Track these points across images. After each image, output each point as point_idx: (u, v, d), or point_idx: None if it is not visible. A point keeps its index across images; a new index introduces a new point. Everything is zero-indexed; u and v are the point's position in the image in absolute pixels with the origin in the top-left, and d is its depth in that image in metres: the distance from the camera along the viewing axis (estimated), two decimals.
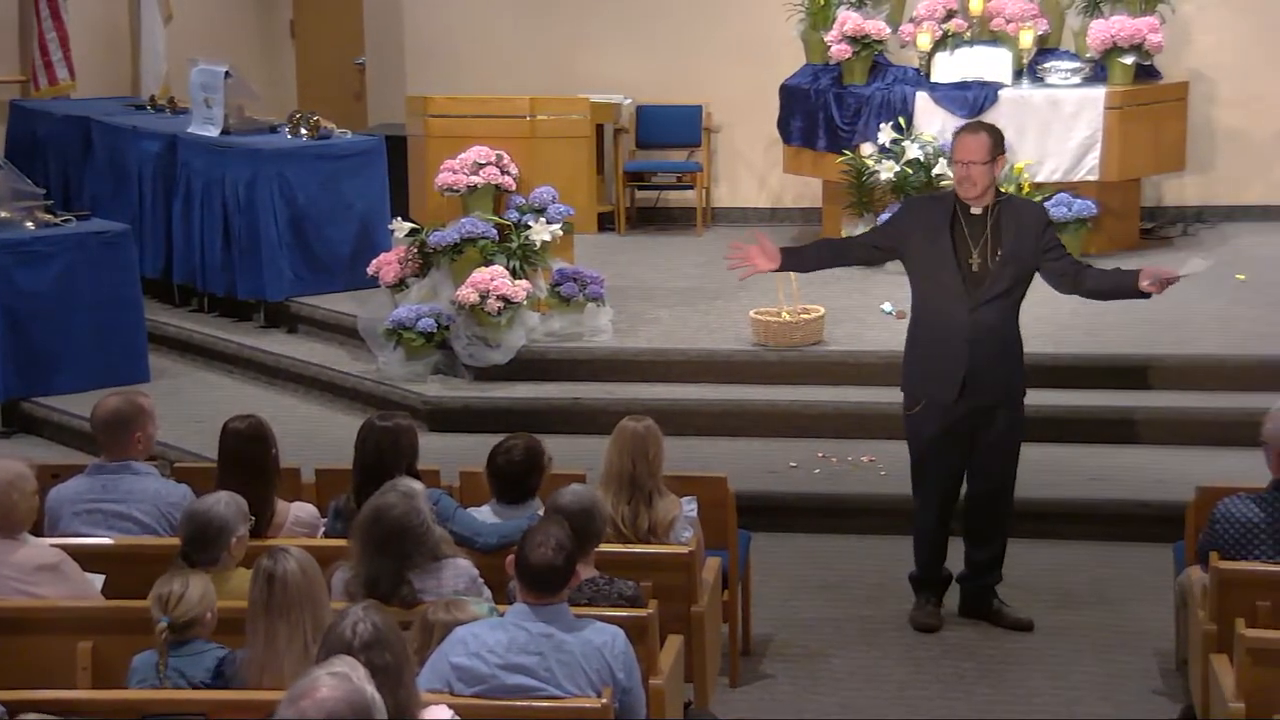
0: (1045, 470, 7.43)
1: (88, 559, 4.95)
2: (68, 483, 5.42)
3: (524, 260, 8.61)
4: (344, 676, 2.97)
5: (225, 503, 4.71)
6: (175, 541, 4.81)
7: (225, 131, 9.96)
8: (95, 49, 11.93)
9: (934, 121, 10.06)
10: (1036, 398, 7.90)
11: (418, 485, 4.79)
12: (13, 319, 8.74)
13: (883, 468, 7.59)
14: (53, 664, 4.49)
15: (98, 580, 4.92)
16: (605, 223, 11.33)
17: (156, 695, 4.12)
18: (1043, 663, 6.03)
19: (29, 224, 9.03)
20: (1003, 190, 6.50)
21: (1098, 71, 10.19)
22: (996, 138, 6.20)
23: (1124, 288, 6.12)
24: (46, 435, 8.71)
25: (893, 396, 8.03)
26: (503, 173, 8.71)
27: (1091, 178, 10.01)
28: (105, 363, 8.82)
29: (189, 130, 10.15)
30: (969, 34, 10.30)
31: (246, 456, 5.30)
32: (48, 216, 9.17)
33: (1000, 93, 10.07)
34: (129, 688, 4.23)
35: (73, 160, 10.88)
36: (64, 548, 4.94)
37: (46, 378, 8.83)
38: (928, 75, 10.30)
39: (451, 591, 4.65)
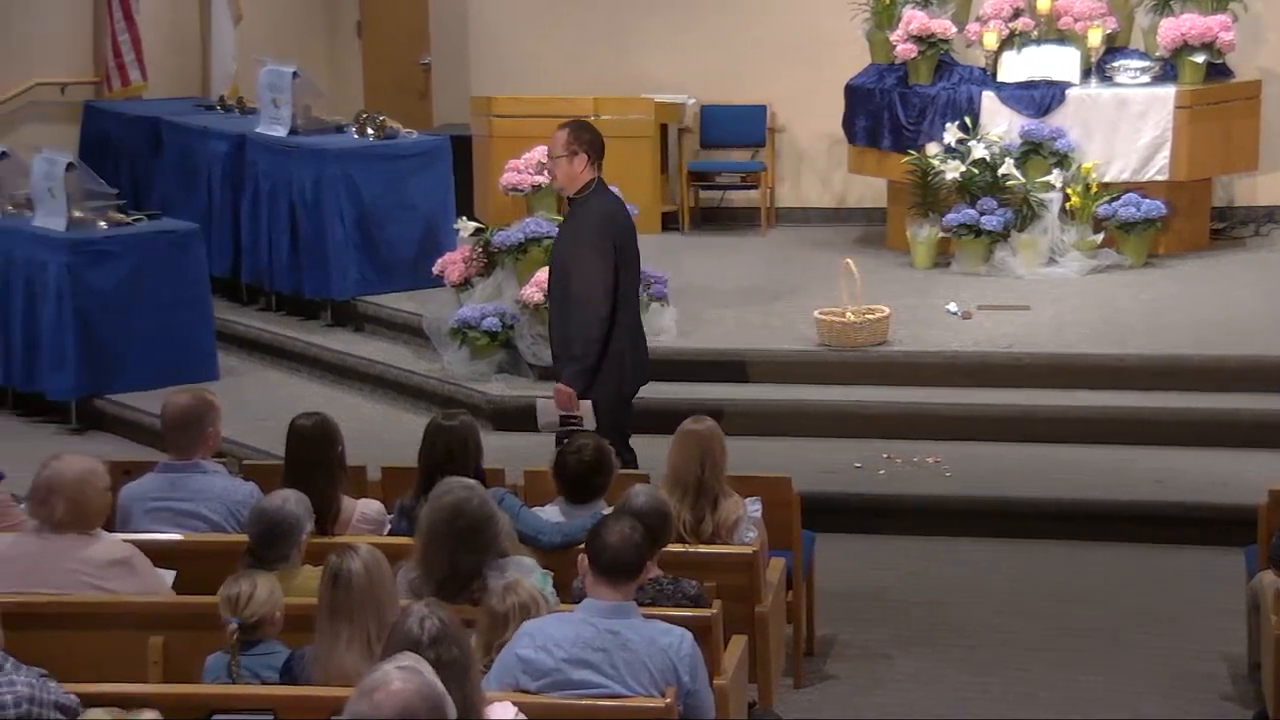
0: (1107, 472, 7.37)
1: (157, 555, 4.99)
2: (139, 481, 5.47)
3: None
4: (414, 670, 2.98)
5: (294, 501, 4.72)
6: (243, 538, 4.85)
7: (293, 131, 10.04)
8: (166, 50, 12.05)
9: (1000, 121, 10.00)
10: (1094, 399, 7.91)
11: (472, 481, 4.80)
12: (84, 318, 8.88)
13: (948, 468, 7.55)
14: (123, 658, 4.52)
15: (169, 576, 4.96)
16: (669, 222, 11.34)
17: (225, 690, 4.16)
18: (1107, 666, 5.98)
19: (101, 223, 9.17)
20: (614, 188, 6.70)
21: (1167, 70, 10.08)
22: (577, 133, 6.39)
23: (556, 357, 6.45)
24: (116, 432, 8.84)
25: (955, 398, 8.03)
26: None
27: (1161, 178, 9.91)
28: (174, 361, 8.92)
29: (257, 130, 10.23)
30: (1036, 33, 10.22)
31: (313, 454, 5.30)
32: (119, 216, 9.31)
33: (1068, 92, 9.98)
34: None
35: (143, 160, 11.01)
36: (134, 544, 5.00)
37: (116, 376, 8.95)
38: (994, 75, 10.23)
39: None
